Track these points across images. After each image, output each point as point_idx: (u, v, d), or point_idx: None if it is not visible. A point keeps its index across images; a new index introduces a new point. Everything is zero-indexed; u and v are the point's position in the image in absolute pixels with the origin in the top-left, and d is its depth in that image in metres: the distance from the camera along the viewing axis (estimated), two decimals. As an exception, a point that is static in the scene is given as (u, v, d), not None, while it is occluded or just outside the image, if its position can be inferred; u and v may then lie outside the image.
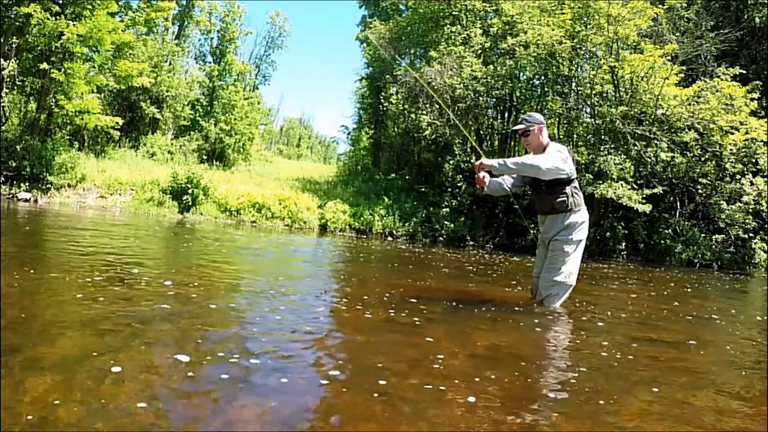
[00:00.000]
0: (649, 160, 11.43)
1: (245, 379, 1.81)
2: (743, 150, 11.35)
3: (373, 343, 2.48)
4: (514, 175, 3.87)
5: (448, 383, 1.96)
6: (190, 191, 11.89)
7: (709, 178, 11.95)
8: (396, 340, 2.53)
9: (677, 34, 12.95)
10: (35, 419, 1.37)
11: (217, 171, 17.56)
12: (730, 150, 11.29)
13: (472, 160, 12.81)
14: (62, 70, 12.21)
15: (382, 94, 18.04)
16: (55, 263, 3.85)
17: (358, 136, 26.02)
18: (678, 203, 12.69)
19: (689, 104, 11.21)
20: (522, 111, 14.51)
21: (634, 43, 11.74)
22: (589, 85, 12.36)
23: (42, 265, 3.72)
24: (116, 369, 1.77)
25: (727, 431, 1.75)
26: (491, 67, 13.07)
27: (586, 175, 11.10)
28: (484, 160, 3.46)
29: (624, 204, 10.75)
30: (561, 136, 13.87)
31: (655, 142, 11.52)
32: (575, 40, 12.16)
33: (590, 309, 4.06)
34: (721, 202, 11.78)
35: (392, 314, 3.11)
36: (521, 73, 13.74)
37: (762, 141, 11.15)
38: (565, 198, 3.60)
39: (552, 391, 2.04)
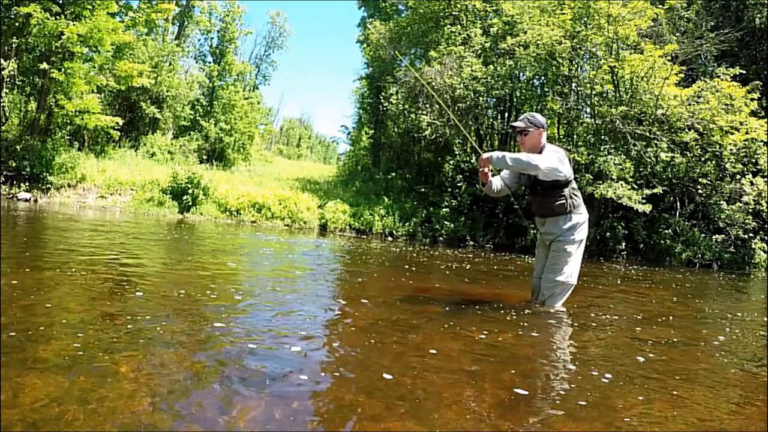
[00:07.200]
0: (649, 160, 11.42)
1: (247, 379, 1.81)
2: (743, 150, 11.35)
3: (373, 342, 2.49)
4: (509, 173, 3.85)
5: (448, 383, 1.96)
6: (190, 191, 11.89)
7: (709, 178, 11.93)
8: (396, 340, 2.53)
9: (677, 34, 12.93)
10: (35, 419, 1.37)
11: (217, 171, 17.56)
12: (730, 150, 11.28)
13: (473, 161, 12.82)
14: (62, 70, 12.21)
15: (382, 94, 18.00)
16: (54, 263, 3.85)
17: (358, 136, 25.98)
18: (678, 203, 12.68)
19: (689, 104, 11.20)
20: (522, 111, 14.49)
21: (634, 43, 11.73)
22: (589, 85, 12.36)
23: (42, 265, 3.72)
24: (116, 369, 1.78)
25: (727, 431, 1.76)
26: (491, 67, 13.05)
27: (586, 175, 11.09)
28: (485, 155, 3.46)
29: (624, 204, 10.75)
30: (561, 136, 13.86)
31: (655, 142, 11.52)
32: (575, 40, 12.15)
33: (591, 309, 4.06)
34: (721, 202, 11.77)
35: (392, 314, 3.11)
36: (521, 74, 13.72)
37: (762, 141, 11.14)
38: (565, 200, 3.60)
39: (552, 390, 2.04)
